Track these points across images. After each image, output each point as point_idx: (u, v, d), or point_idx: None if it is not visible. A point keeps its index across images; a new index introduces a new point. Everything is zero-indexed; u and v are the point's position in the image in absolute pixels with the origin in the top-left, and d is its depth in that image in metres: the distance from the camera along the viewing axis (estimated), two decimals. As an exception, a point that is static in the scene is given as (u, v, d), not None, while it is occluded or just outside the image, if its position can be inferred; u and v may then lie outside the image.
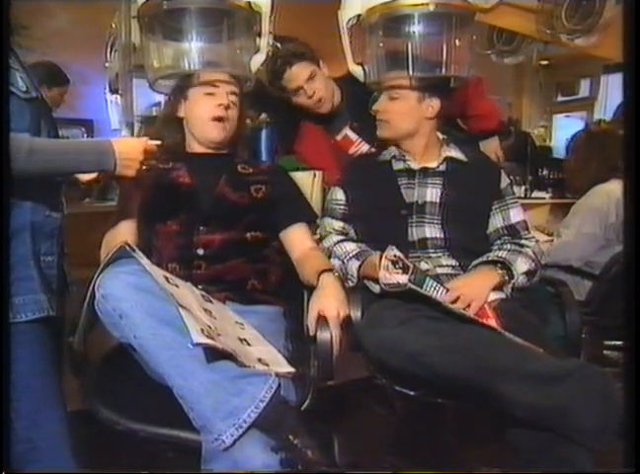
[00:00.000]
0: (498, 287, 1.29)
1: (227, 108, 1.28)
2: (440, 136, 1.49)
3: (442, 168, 1.43)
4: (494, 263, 1.33)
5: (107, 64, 2.64)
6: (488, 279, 1.29)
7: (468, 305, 1.22)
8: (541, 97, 4.23)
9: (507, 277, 1.30)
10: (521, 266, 1.31)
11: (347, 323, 1.15)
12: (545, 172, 3.13)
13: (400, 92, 1.39)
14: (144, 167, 1.02)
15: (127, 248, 1.00)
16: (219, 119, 1.28)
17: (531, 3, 2.70)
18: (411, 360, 1.08)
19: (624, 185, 0.74)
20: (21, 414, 0.92)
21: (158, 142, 1.06)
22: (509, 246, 1.39)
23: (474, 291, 1.24)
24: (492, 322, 1.18)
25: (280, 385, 0.96)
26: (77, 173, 0.96)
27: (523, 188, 2.89)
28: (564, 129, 4.30)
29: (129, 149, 0.98)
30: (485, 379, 0.99)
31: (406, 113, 1.40)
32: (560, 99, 4.83)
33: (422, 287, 1.21)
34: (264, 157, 1.91)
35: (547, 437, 0.95)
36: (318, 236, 1.46)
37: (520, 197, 2.49)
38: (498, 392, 0.98)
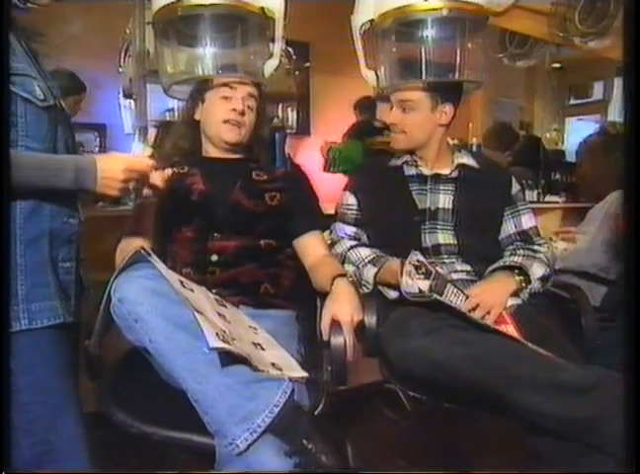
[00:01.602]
0: (515, 293, 1.30)
1: (242, 113, 1.29)
2: (451, 142, 1.49)
3: (455, 175, 1.43)
4: (510, 268, 1.33)
5: (120, 69, 2.68)
6: (506, 286, 1.29)
7: (488, 312, 1.22)
8: (553, 100, 4.21)
9: (524, 283, 1.30)
10: (537, 271, 1.32)
11: (360, 328, 1.15)
12: (558, 176, 3.10)
13: (413, 103, 1.38)
14: (130, 186, 0.99)
15: (143, 252, 1.01)
16: (234, 123, 1.29)
17: (544, 6, 2.69)
18: (437, 370, 1.08)
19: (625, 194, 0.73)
20: (39, 417, 0.93)
21: (151, 162, 1.03)
22: (522, 251, 1.39)
23: (493, 298, 1.24)
24: (511, 328, 1.18)
25: (293, 390, 0.96)
26: (56, 189, 0.92)
27: (536, 192, 2.86)
28: (577, 133, 4.27)
29: (110, 167, 0.94)
30: (510, 390, 0.99)
31: (421, 123, 1.39)
32: (573, 102, 4.80)
33: (443, 293, 1.21)
34: (277, 163, 1.91)
35: (573, 446, 0.95)
36: (330, 241, 1.46)
37: (532, 202, 2.48)
38: (523, 403, 0.98)
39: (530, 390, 0.98)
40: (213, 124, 1.31)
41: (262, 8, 1.41)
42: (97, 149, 3.17)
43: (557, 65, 4.01)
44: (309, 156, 3.85)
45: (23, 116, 0.89)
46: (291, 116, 3.84)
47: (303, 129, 4.01)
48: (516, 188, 1.46)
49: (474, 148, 2.75)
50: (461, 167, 1.44)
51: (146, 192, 1.06)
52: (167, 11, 1.36)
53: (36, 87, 0.91)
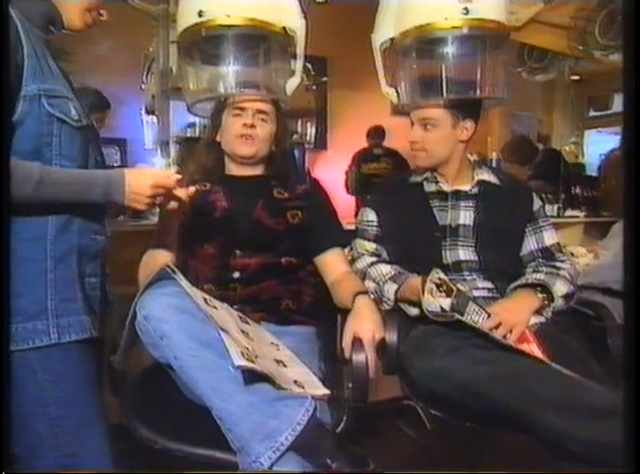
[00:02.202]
0: (537, 311, 1.28)
1: (252, 126, 1.31)
2: (472, 158, 1.49)
3: (475, 191, 1.42)
4: (532, 286, 1.31)
5: (143, 86, 2.74)
6: (529, 304, 1.28)
7: (510, 330, 1.20)
8: (572, 112, 4.17)
9: (546, 301, 1.29)
10: (560, 288, 1.30)
11: (382, 346, 1.15)
12: (578, 190, 3.07)
13: (435, 120, 1.38)
14: (156, 201, 1.00)
15: (168, 270, 1.02)
16: (246, 137, 1.31)
17: (563, 20, 2.69)
18: (460, 390, 1.07)
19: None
20: (66, 431, 0.94)
21: (179, 176, 1.04)
22: (544, 268, 1.38)
23: (516, 317, 1.22)
24: (534, 347, 1.16)
25: (316, 408, 0.96)
26: (85, 203, 0.94)
27: (556, 206, 2.83)
28: (596, 145, 4.22)
29: (138, 182, 0.96)
30: (534, 411, 0.98)
31: (442, 140, 1.39)
32: (592, 114, 4.76)
33: (465, 311, 1.21)
34: (297, 179, 1.93)
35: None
36: (350, 257, 1.46)
37: (552, 216, 2.46)
38: (548, 425, 0.97)
39: (555, 412, 0.97)
40: (229, 141, 1.34)
41: (283, 27, 1.43)
42: (116, 163, 3.24)
43: (576, 77, 3.99)
44: (326, 169, 3.88)
45: (58, 135, 0.91)
46: (310, 130, 3.89)
47: (321, 143, 4.05)
48: (537, 204, 1.45)
49: (494, 163, 2.73)
50: (482, 183, 1.43)
51: (171, 207, 1.08)
52: (191, 31, 1.39)
53: (71, 108, 0.93)
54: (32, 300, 0.91)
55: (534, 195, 1.48)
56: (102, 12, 1.03)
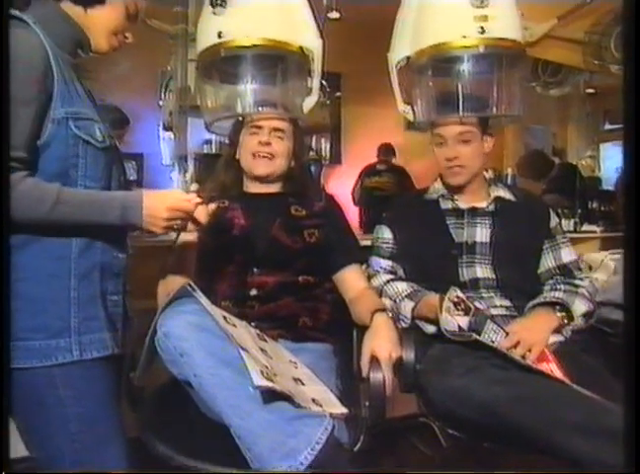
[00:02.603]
0: (556, 330, 1.27)
1: (268, 144, 1.32)
2: (487, 175, 1.49)
3: (492, 208, 1.42)
4: (551, 304, 1.30)
5: (160, 103, 2.79)
6: (547, 323, 1.27)
7: (529, 350, 1.19)
8: (588, 126, 4.15)
9: (566, 320, 1.28)
10: (580, 307, 1.29)
11: (399, 364, 1.15)
12: (595, 204, 3.03)
13: (470, 134, 1.37)
14: (174, 224, 0.99)
15: (189, 288, 1.03)
16: (262, 156, 1.33)
17: (577, 35, 2.69)
18: (479, 410, 1.06)
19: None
20: (86, 447, 0.94)
21: (199, 200, 1.02)
22: (563, 286, 1.36)
23: (534, 336, 1.21)
24: (553, 366, 1.15)
25: (334, 426, 0.96)
26: (102, 225, 0.93)
27: (572, 221, 2.80)
28: (612, 159, 4.18)
29: (155, 205, 0.95)
30: (554, 433, 0.97)
31: (477, 155, 1.39)
32: (608, 127, 4.72)
33: (482, 330, 1.20)
34: (313, 195, 1.94)
35: None
36: (366, 274, 1.46)
37: (569, 231, 2.44)
38: (568, 447, 0.95)
39: (577, 435, 0.95)
40: (246, 160, 1.36)
41: (300, 47, 1.46)
42: (133, 178, 3.29)
43: (591, 91, 3.97)
44: (340, 184, 3.91)
45: (83, 157, 0.93)
46: (325, 146, 3.95)
47: (335, 158, 4.09)
48: (554, 220, 1.45)
49: (509, 179, 2.72)
50: (498, 200, 1.43)
51: (190, 227, 1.08)
52: (211, 52, 1.42)
53: (96, 130, 0.95)
54: (56, 317, 0.92)
55: (551, 211, 1.47)
56: (127, 35, 1.06)
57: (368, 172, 4.00)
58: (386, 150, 4.06)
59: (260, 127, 1.35)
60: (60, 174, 0.91)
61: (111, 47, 1.04)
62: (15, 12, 0.90)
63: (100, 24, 1.00)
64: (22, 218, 0.86)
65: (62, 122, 0.90)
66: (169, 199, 0.98)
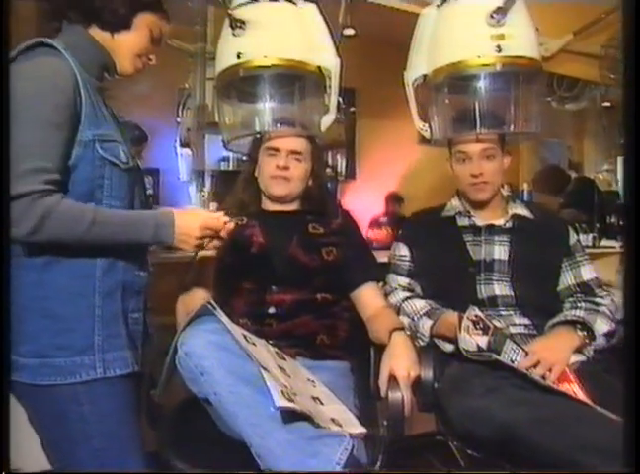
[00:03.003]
0: (578, 349, 1.25)
1: (286, 168, 1.33)
2: (504, 193, 1.48)
3: (509, 225, 1.41)
4: (572, 323, 1.28)
5: (178, 120, 2.84)
6: (568, 342, 1.25)
7: (549, 370, 1.18)
8: (605, 139, 4.11)
9: (587, 339, 1.26)
10: (602, 326, 1.27)
11: (417, 383, 1.14)
12: (614, 219, 2.99)
13: (494, 150, 1.38)
14: (204, 242, 1.02)
15: (210, 306, 1.04)
16: (280, 178, 1.33)
17: (593, 49, 2.68)
18: (500, 431, 1.05)
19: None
20: (108, 464, 0.95)
21: (228, 219, 1.05)
22: (584, 304, 1.35)
23: (555, 355, 1.19)
24: (575, 387, 1.13)
25: (353, 446, 0.95)
26: (134, 243, 0.97)
27: (591, 236, 2.77)
28: (631, 172, 4.13)
29: (187, 224, 0.98)
30: (576, 455, 0.96)
31: (500, 170, 1.40)
32: (625, 140, 4.67)
33: (502, 349, 1.19)
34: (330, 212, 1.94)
35: None
36: (384, 291, 1.46)
37: (587, 246, 2.40)
38: (591, 470, 0.94)
39: (598, 457, 0.94)
40: (264, 180, 1.37)
41: (318, 67, 1.48)
42: (149, 192, 3.33)
43: (607, 104, 3.94)
44: (355, 199, 3.91)
45: (109, 178, 0.95)
46: (340, 162, 3.95)
47: (349, 173, 4.10)
48: (573, 238, 1.44)
49: (525, 194, 2.71)
50: (516, 217, 1.42)
51: (211, 244, 1.10)
52: (230, 72, 1.45)
53: (121, 151, 0.98)
54: (80, 335, 0.94)
55: (570, 228, 1.46)
56: (151, 57, 1.08)
57: (371, 224, 3.91)
58: (394, 199, 4.00)
59: (277, 150, 1.34)
60: (86, 194, 0.93)
61: (135, 70, 1.07)
62: (47, 40, 0.93)
63: (126, 47, 1.03)
64: (59, 239, 0.88)
65: (89, 145, 0.92)
66: (200, 218, 1.02)
